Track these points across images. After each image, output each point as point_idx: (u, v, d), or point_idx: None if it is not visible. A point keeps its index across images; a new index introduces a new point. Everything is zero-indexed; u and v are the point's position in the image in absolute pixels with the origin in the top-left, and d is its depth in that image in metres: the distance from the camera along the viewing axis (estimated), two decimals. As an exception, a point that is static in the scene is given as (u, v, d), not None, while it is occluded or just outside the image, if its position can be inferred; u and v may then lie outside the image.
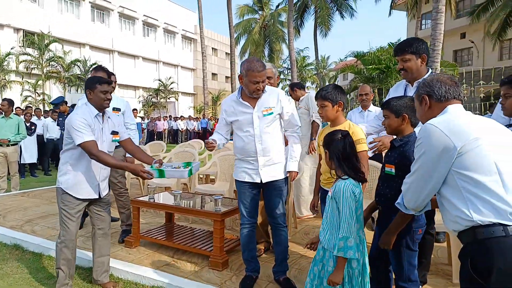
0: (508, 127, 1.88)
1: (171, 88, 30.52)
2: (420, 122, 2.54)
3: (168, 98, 30.53)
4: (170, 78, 30.66)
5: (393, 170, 2.10)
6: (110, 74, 3.81)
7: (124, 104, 4.09)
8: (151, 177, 2.76)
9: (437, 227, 2.87)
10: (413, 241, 2.12)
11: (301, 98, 4.75)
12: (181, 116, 25.56)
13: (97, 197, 2.84)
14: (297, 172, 2.92)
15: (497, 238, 1.36)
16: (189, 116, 26.13)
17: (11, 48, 21.22)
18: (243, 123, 2.77)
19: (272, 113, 2.77)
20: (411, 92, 2.73)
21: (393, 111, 2.14)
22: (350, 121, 2.73)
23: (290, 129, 2.94)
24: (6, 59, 20.49)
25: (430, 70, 2.73)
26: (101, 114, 2.81)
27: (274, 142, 2.81)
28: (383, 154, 2.44)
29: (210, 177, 6.55)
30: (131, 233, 3.81)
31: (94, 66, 3.86)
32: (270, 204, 2.87)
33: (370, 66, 13.37)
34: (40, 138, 9.31)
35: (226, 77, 40.98)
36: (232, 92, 24.53)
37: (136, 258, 3.44)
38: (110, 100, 2.81)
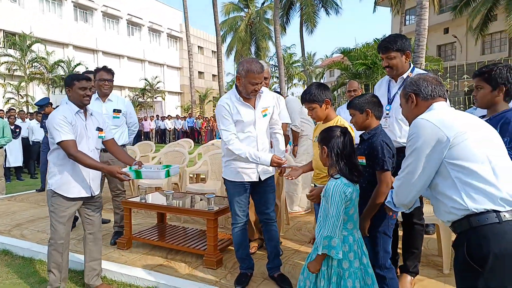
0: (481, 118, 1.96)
1: (158, 88, 30.25)
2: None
3: (155, 98, 30.26)
4: (156, 77, 30.37)
5: (364, 161, 2.24)
6: (112, 73, 3.81)
7: (125, 105, 4.02)
8: (128, 179, 2.75)
9: (426, 218, 2.93)
10: (388, 226, 2.26)
11: None
12: (169, 115, 25.35)
13: (89, 195, 2.81)
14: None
15: (492, 225, 1.41)
16: (177, 115, 25.93)
17: (-9, 49, 20.73)
18: (245, 124, 2.75)
19: (269, 113, 2.86)
20: (394, 87, 2.79)
21: (357, 108, 2.30)
22: (340, 116, 2.76)
23: (276, 126, 3.02)
24: (-14, 60, 20.02)
25: (411, 65, 2.79)
26: (82, 111, 2.77)
27: (268, 140, 2.90)
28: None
29: (201, 176, 6.54)
30: (123, 234, 3.78)
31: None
32: (263, 200, 2.89)
33: (357, 62, 13.47)
34: (25, 141, 9.14)
35: (213, 75, 40.81)
36: (220, 90, 24.56)
37: (129, 260, 3.42)
38: (90, 96, 2.76)
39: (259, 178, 2.82)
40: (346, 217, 2.01)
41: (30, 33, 22.03)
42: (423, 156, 1.54)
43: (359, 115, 2.29)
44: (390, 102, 2.79)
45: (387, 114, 2.77)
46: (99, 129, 2.87)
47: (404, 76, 2.72)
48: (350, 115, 2.36)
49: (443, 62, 16.53)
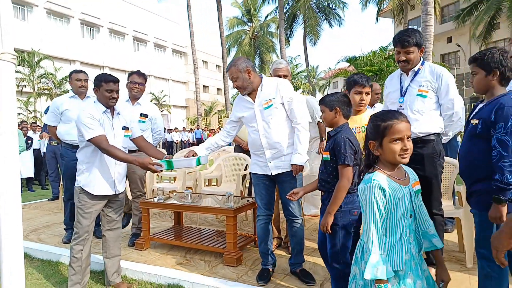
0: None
1: (164, 101, 30.52)
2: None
3: (161, 111, 30.55)
4: (162, 91, 30.66)
5: (328, 156, 2.32)
6: (144, 78, 4.02)
7: (154, 111, 4.06)
8: (161, 169, 2.72)
9: (445, 213, 2.90)
10: (349, 222, 2.24)
11: None
12: (175, 128, 25.48)
13: (114, 193, 2.84)
14: (301, 166, 2.73)
15: None
16: (183, 127, 26.09)
17: (1, 66, 21.06)
18: (248, 118, 2.83)
19: (272, 105, 2.72)
20: (406, 80, 2.82)
21: (328, 105, 2.37)
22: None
23: (293, 120, 2.76)
24: (-4, 77, 20.33)
25: (421, 59, 2.83)
26: (109, 110, 2.82)
27: (280, 134, 2.75)
28: None
29: (212, 182, 6.54)
30: (140, 236, 3.78)
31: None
32: (283, 196, 2.86)
33: (363, 69, 13.52)
34: (36, 152, 9.21)
35: (217, 89, 41.12)
36: (226, 103, 24.68)
37: (149, 260, 3.41)
38: (116, 99, 2.80)
39: (271, 173, 2.82)
40: None
41: (39, 50, 22.43)
42: None
43: (329, 112, 2.36)
44: (403, 94, 2.82)
45: (400, 106, 2.79)
46: (125, 128, 2.91)
47: (415, 69, 2.77)
48: (321, 111, 2.43)
49: (450, 70, 16.60)
